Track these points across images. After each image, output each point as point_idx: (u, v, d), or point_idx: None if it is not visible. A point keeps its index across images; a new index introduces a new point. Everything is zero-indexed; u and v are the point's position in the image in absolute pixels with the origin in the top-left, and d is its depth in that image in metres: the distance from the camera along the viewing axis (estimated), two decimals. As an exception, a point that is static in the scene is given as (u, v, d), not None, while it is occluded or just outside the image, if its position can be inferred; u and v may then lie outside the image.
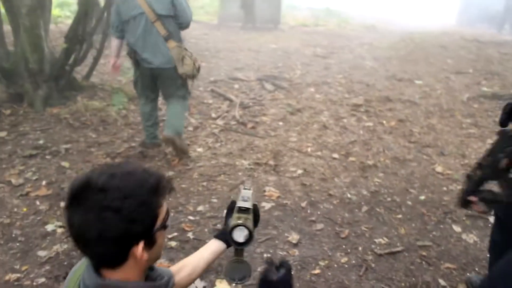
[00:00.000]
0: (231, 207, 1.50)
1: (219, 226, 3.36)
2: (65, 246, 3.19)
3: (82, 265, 1.21)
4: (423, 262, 3.02)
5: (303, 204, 3.72)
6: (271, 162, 4.47)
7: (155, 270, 1.24)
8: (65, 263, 3.01)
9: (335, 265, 2.97)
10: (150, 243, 1.11)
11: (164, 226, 1.14)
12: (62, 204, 3.70)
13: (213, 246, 1.53)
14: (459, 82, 7.32)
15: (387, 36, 12.50)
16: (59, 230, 3.38)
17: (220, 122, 5.62)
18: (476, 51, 10.01)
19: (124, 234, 1.03)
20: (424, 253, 3.10)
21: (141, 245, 1.07)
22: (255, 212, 1.49)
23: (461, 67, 8.36)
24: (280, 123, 5.58)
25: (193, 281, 1.50)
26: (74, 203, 1.04)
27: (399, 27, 14.26)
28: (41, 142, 4.69)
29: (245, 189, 1.57)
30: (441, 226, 3.44)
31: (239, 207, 1.40)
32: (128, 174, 1.06)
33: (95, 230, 1.01)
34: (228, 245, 1.53)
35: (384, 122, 5.53)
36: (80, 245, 1.06)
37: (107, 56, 8.33)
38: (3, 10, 5.72)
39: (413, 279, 2.85)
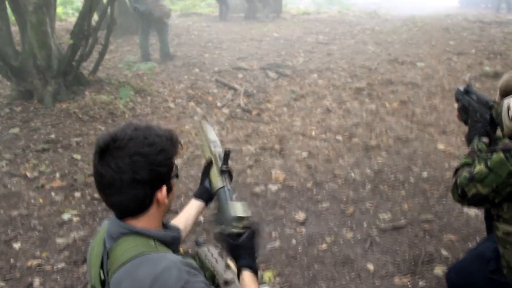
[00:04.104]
0: (208, 167, 1.67)
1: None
2: (82, 233, 3.35)
3: (104, 226, 1.34)
4: (426, 235, 3.12)
5: (309, 185, 3.84)
6: (277, 146, 4.58)
7: (168, 225, 1.38)
8: (83, 248, 3.16)
9: (341, 241, 3.09)
10: (168, 189, 1.27)
11: (177, 175, 1.31)
12: (77, 194, 3.86)
13: (196, 205, 1.68)
14: (461, 63, 7.35)
15: (389, 20, 12.49)
16: (75, 219, 3.52)
17: (225, 110, 5.72)
18: (479, 32, 9.99)
19: (152, 177, 1.19)
20: (427, 227, 3.21)
21: (164, 188, 1.24)
22: (226, 157, 1.61)
23: (463, 48, 8.38)
24: (284, 109, 5.68)
25: (184, 238, 1.62)
26: (105, 155, 1.18)
27: (401, 12, 14.23)
28: (52, 136, 4.83)
29: (209, 126, 1.78)
30: (443, 200, 3.54)
31: (239, 217, 1.46)
32: (148, 127, 1.23)
33: (129, 173, 1.16)
34: (207, 203, 1.70)
35: (387, 104, 5.62)
36: (111, 193, 1.20)
37: (112, 51, 8.47)
38: (9, 10, 5.84)
39: (417, 251, 2.96)
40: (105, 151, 1.18)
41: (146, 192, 1.21)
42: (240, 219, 1.45)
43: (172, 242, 1.31)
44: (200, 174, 1.70)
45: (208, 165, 1.67)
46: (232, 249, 1.43)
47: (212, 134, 1.76)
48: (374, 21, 12.61)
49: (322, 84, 6.60)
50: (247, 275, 1.38)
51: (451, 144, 4.44)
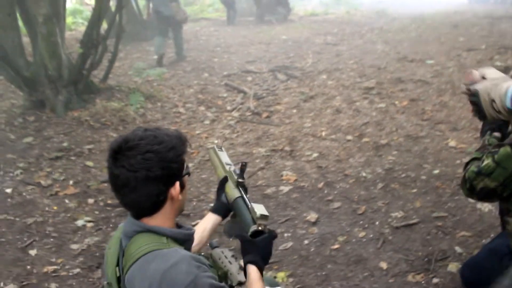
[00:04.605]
0: (223, 183, 1.73)
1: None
2: (96, 238, 3.38)
3: (120, 226, 1.40)
4: (439, 232, 3.11)
5: (320, 185, 3.84)
6: (287, 148, 4.59)
7: (181, 225, 1.42)
8: (97, 254, 3.19)
9: (354, 240, 3.09)
10: (181, 186, 1.33)
11: (188, 173, 1.38)
12: (90, 200, 3.90)
13: (212, 219, 1.72)
14: (471, 58, 7.29)
15: (397, 19, 12.44)
16: (89, 225, 3.57)
17: (235, 114, 5.76)
18: (489, 27, 9.90)
19: (164, 173, 1.26)
20: (440, 224, 3.19)
21: (177, 185, 1.30)
22: (242, 170, 1.70)
23: (473, 44, 8.31)
24: (294, 111, 5.69)
25: (199, 250, 1.67)
26: (118, 156, 1.24)
27: (409, 10, 14.15)
28: (65, 144, 4.89)
29: (220, 150, 1.86)
30: (456, 197, 3.51)
31: (262, 215, 1.51)
32: (157, 128, 1.31)
33: (143, 171, 1.22)
34: (223, 217, 1.74)
35: (397, 102, 5.60)
36: (127, 193, 1.26)
37: (122, 58, 8.55)
38: (21, 22, 5.92)
39: (430, 248, 2.95)
40: (118, 152, 1.25)
41: (160, 188, 1.27)
42: (264, 217, 1.50)
43: (184, 239, 1.35)
44: (211, 178, 1.75)
45: (223, 180, 1.73)
46: (245, 245, 1.45)
47: (225, 157, 1.85)
48: (382, 20, 12.57)
49: (331, 85, 6.59)
50: (253, 270, 1.40)
51: (462, 140, 4.41)
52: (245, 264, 1.42)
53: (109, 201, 3.82)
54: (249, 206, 1.55)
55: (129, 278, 1.23)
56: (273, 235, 1.49)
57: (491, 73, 1.75)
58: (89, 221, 3.59)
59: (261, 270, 1.42)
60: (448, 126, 4.76)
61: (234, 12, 13.32)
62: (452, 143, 4.37)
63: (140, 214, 1.31)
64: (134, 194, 1.25)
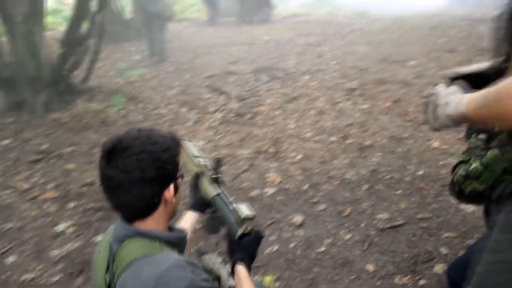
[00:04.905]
0: (196, 178, 1.68)
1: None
2: (77, 244, 3.30)
3: (110, 231, 1.35)
4: (424, 233, 3.11)
5: (305, 187, 3.82)
6: (271, 150, 4.56)
7: (173, 227, 1.39)
8: (77, 260, 3.11)
9: (339, 242, 3.07)
10: (175, 189, 1.30)
11: (182, 175, 1.35)
12: (70, 205, 3.81)
13: (191, 217, 1.68)
14: (452, 60, 7.37)
15: (379, 20, 12.54)
16: (69, 230, 3.48)
17: (218, 115, 5.70)
18: (468, 29, 10.04)
19: (159, 174, 1.22)
20: (424, 225, 3.19)
21: (171, 187, 1.27)
22: (217, 165, 1.65)
23: (453, 45, 8.41)
24: (278, 112, 5.67)
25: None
26: (112, 157, 1.20)
27: (391, 11, 14.27)
28: (44, 147, 4.78)
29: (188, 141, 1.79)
30: (440, 198, 3.52)
31: (247, 217, 1.46)
32: (150, 129, 1.27)
33: (137, 171, 1.18)
34: (202, 213, 1.71)
35: (379, 103, 5.62)
36: (120, 194, 1.21)
37: (103, 59, 8.43)
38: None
39: (415, 249, 2.94)
40: (112, 152, 1.20)
41: (155, 190, 1.24)
42: (250, 218, 1.45)
43: (177, 243, 1.32)
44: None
45: (195, 178, 1.68)
46: (233, 247, 1.44)
47: (194, 149, 1.77)
48: (364, 21, 12.66)
49: (314, 86, 6.59)
50: (241, 268, 1.38)
51: (445, 141, 4.44)
52: (233, 263, 1.41)
53: (90, 205, 3.73)
54: (232, 206, 1.51)
55: (120, 285, 1.19)
56: (260, 236, 1.46)
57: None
58: (70, 226, 3.50)
59: (248, 268, 1.41)
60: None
61: (216, 12, 13.27)
62: (435, 144, 4.39)
63: (133, 216, 1.27)
64: (127, 196, 1.21)
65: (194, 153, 1.74)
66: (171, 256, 1.21)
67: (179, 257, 1.22)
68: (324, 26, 12.17)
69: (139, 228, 1.25)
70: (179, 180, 1.33)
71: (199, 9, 15.71)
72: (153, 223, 1.27)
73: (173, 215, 1.37)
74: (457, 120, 1.36)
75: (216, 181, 1.62)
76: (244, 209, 1.47)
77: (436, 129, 1.54)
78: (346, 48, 9.10)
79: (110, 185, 1.22)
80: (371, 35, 10.31)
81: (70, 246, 3.26)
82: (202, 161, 1.69)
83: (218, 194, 1.58)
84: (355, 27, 11.62)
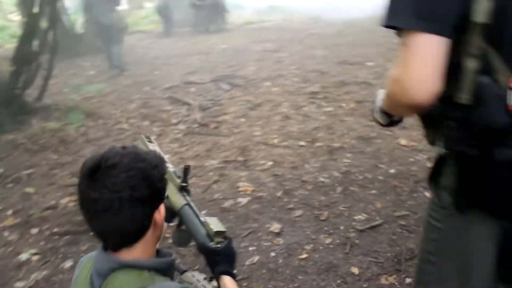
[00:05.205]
0: None
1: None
2: (44, 272, 3.09)
3: (87, 263, 1.22)
4: (404, 231, 3.09)
5: (279, 194, 3.74)
6: (240, 158, 4.47)
7: (160, 250, 1.28)
8: (46, 289, 2.92)
9: (321, 247, 3.01)
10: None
11: (167, 196, 1.26)
12: (33, 231, 3.59)
13: None
14: (408, 59, 7.52)
15: (334, 24, 12.67)
16: (35, 258, 3.27)
17: (181, 126, 5.57)
18: (419, 28, 10.30)
19: (150, 193, 1.10)
20: (403, 223, 3.17)
21: (162, 208, 1.16)
22: (186, 173, 1.51)
23: (407, 44, 8.60)
24: (242, 120, 5.59)
25: None
26: (97, 176, 1.06)
27: (343, 15, 14.48)
28: (0, 170, 4.52)
29: (151, 142, 1.61)
30: (415, 195, 3.53)
31: (218, 231, 1.39)
32: (134, 146, 1.16)
33: (127, 191, 1.05)
34: (168, 223, 1.58)
35: (343, 105, 5.63)
36: (108, 218, 1.08)
37: (56, 75, 8.13)
38: None
39: (397, 248, 2.91)
40: (96, 172, 1.06)
41: (145, 212, 1.12)
42: (221, 233, 1.38)
43: (167, 268, 1.20)
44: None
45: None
46: (210, 256, 1.35)
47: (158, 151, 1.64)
48: (319, 26, 12.81)
49: (277, 92, 6.56)
50: (228, 280, 1.31)
51: (412, 138, 4.47)
52: (218, 275, 1.34)
53: (55, 230, 3.52)
54: (203, 218, 1.42)
55: None
56: (230, 241, 1.39)
57: None
58: (34, 254, 3.28)
59: (234, 278, 1.35)
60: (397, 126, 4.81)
61: (170, 23, 13.12)
62: (403, 141, 4.42)
63: (122, 243, 1.12)
64: (117, 218, 1.07)
65: None
66: (165, 285, 1.10)
67: (175, 285, 1.12)
68: (280, 32, 12.22)
69: (124, 260, 1.12)
70: (166, 201, 1.23)
71: (152, 21, 15.49)
72: (140, 250, 1.14)
73: (159, 239, 1.25)
74: (384, 114, 1.45)
75: (184, 189, 1.49)
76: (215, 223, 1.40)
77: (383, 125, 1.60)
78: (304, 52, 9.14)
79: (96, 209, 1.07)
80: (327, 38, 10.41)
81: (37, 275, 3.05)
82: (169, 167, 1.53)
83: (187, 204, 1.46)
84: (311, 32, 11.72)
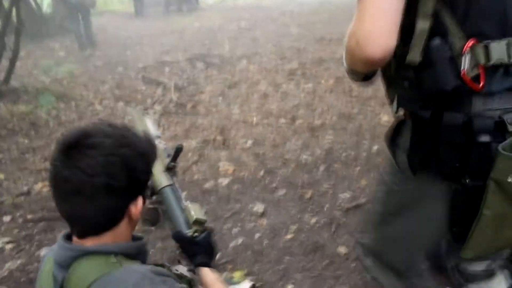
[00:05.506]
0: None
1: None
2: (19, 261, 2.94)
3: (49, 257, 1.09)
4: (389, 208, 3.04)
5: (261, 173, 3.65)
6: (219, 138, 4.36)
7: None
8: (22, 279, 2.77)
9: (306, 227, 2.94)
10: (143, 202, 1.07)
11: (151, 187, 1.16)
12: (6, 218, 3.42)
13: None
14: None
15: (306, 3, 12.53)
16: (8, 246, 3.11)
17: (157, 107, 5.41)
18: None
19: (129, 184, 0.98)
20: (388, 200, 3.12)
21: (139, 201, 1.04)
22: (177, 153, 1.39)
23: (383, 21, 8.56)
24: (220, 98, 5.46)
25: None
26: (73, 153, 0.94)
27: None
28: (-33, 157, 4.31)
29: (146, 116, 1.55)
30: (399, 171, 3.48)
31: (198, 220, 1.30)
32: (124, 126, 1.03)
33: (103, 177, 0.93)
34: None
35: (323, 82, 5.55)
36: (77, 202, 0.96)
37: (24, 57, 7.82)
38: None
39: (383, 226, 2.86)
40: (74, 148, 0.94)
41: (118, 203, 0.99)
42: (200, 222, 1.29)
43: (137, 252, 1.08)
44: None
45: None
46: (186, 245, 1.26)
47: (151, 126, 1.52)
48: (292, 4, 12.62)
49: (254, 69, 6.44)
50: (207, 272, 1.23)
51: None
52: (196, 266, 1.25)
53: (29, 217, 3.36)
54: (184, 204, 1.33)
55: None
56: (211, 231, 1.31)
57: None
58: (8, 242, 3.12)
59: (211, 268, 1.26)
60: (377, 101, 4.75)
61: (141, 3, 12.78)
62: (384, 118, 4.36)
63: (87, 231, 1.00)
64: (87, 205, 0.95)
65: (153, 131, 1.48)
66: (134, 270, 0.98)
67: (143, 268, 1.00)
68: (253, 11, 12.04)
69: (85, 246, 1.00)
70: (147, 192, 1.12)
71: (122, 1, 15.07)
72: (111, 238, 1.02)
73: (134, 228, 1.12)
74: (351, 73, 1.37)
75: (170, 170, 1.39)
76: (196, 210, 1.30)
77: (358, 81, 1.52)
78: (280, 30, 9.01)
79: (65, 189, 0.96)
80: (302, 17, 10.29)
81: (11, 265, 2.90)
82: (161, 144, 1.43)
83: (170, 185, 1.36)
84: (284, 10, 11.57)
